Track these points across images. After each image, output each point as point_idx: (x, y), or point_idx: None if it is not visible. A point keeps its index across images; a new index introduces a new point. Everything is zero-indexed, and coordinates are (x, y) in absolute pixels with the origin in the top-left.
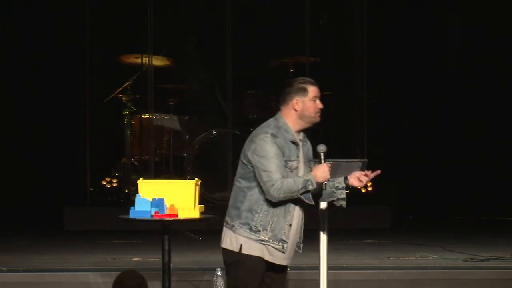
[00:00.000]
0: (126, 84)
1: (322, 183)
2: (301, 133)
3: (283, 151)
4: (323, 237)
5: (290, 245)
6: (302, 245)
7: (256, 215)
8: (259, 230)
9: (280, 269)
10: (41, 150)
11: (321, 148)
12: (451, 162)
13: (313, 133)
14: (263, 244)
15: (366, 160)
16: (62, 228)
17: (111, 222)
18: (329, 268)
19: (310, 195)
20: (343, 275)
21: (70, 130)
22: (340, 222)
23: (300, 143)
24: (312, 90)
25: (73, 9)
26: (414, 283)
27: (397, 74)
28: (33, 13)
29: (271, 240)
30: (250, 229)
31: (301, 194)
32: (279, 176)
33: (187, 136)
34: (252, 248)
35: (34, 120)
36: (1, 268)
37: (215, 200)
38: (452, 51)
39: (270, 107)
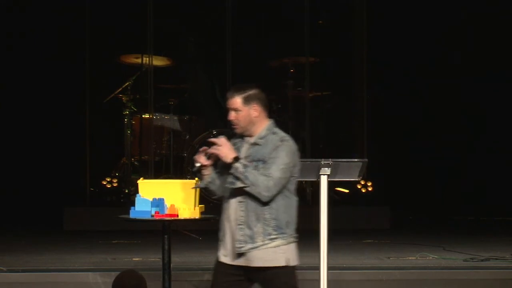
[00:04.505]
0: (126, 84)
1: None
2: (256, 137)
3: None
4: (323, 237)
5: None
6: (248, 245)
7: None
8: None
9: (250, 272)
10: (41, 150)
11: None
12: (451, 162)
13: (313, 133)
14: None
15: (366, 160)
16: (62, 228)
17: (111, 222)
18: (329, 268)
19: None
20: (343, 275)
21: (70, 130)
22: (340, 222)
23: (244, 145)
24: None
25: (73, 9)
26: (414, 283)
27: (397, 74)
28: (33, 13)
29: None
30: None
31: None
32: None
33: (187, 136)
34: None
35: (34, 120)
36: (1, 268)
37: (215, 200)
38: (452, 50)
39: (270, 107)
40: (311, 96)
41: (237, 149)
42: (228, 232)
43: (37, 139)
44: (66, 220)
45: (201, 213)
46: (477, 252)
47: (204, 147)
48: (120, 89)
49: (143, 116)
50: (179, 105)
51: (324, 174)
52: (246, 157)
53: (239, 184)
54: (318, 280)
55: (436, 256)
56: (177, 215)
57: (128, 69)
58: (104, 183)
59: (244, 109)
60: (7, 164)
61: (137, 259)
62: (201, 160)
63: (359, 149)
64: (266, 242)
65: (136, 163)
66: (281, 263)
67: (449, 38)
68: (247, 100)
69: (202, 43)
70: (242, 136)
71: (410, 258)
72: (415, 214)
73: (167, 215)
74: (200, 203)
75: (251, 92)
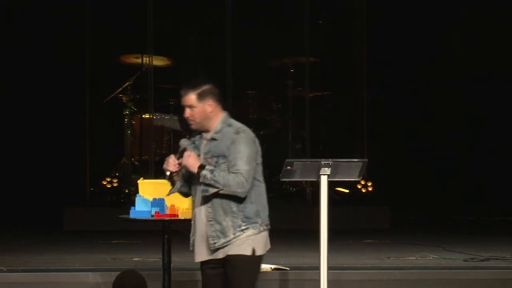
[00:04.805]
0: (126, 84)
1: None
2: (212, 131)
3: None
4: (323, 237)
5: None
6: (221, 240)
7: None
8: None
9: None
10: (42, 150)
11: (180, 143)
12: (451, 162)
13: (313, 133)
14: None
15: (366, 160)
16: (62, 228)
17: (111, 222)
18: (329, 268)
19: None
20: (343, 275)
21: (70, 130)
22: (340, 222)
23: (203, 141)
24: None
25: (73, 9)
26: (414, 283)
27: (397, 74)
28: (33, 13)
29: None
30: None
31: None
32: None
33: (187, 136)
34: None
35: (34, 120)
36: (1, 268)
37: None
38: (452, 50)
39: (270, 107)
40: (311, 96)
41: (197, 146)
42: (198, 230)
43: (37, 139)
44: (66, 220)
45: None
46: (477, 252)
47: (171, 156)
48: (120, 89)
49: (143, 116)
50: (179, 105)
51: (324, 174)
52: (205, 153)
53: (212, 190)
54: (318, 280)
55: (436, 256)
56: (177, 215)
57: (128, 69)
58: (104, 183)
59: (198, 105)
60: (7, 164)
61: (137, 259)
62: (170, 168)
63: (359, 149)
64: (238, 234)
65: (136, 163)
66: (247, 252)
67: (449, 38)
68: (201, 96)
69: (202, 43)
70: (200, 132)
71: (410, 258)
72: (415, 214)
73: (167, 215)
74: None
75: (205, 88)
